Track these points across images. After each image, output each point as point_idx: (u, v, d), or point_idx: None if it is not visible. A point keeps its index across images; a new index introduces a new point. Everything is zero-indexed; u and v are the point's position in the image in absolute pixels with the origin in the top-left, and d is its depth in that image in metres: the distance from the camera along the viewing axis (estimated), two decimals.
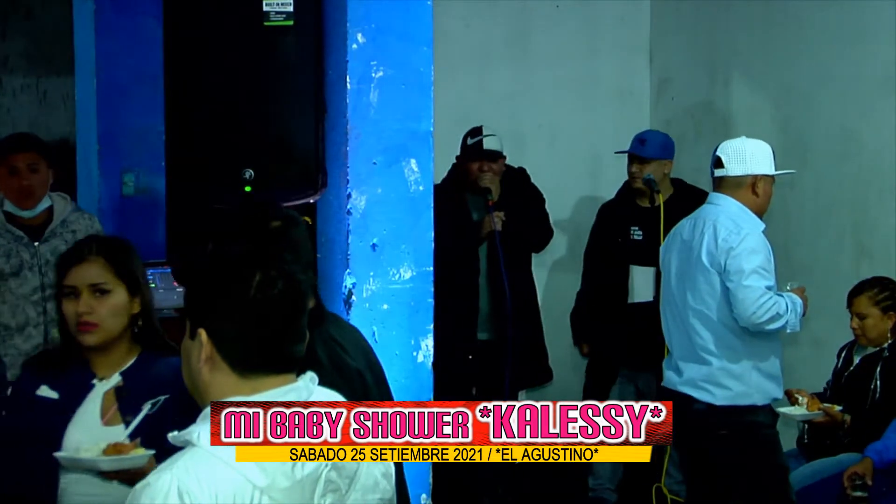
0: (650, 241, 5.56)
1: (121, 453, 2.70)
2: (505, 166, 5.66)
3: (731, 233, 4.18)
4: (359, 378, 2.79)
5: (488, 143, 5.53)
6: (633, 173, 5.63)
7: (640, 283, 5.64)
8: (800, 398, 4.61)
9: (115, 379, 2.90)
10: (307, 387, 2.03)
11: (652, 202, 5.54)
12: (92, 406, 2.88)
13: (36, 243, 4.57)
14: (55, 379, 2.90)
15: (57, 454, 2.77)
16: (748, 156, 4.27)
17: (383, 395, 2.92)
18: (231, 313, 1.97)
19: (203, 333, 1.98)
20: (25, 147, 4.65)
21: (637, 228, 5.67)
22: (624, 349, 5.64)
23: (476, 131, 5.56)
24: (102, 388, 2.90)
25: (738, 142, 4.35)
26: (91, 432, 2.82)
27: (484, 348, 5.56)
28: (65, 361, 2.93)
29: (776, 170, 4.36)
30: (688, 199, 5.39)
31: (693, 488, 4.58)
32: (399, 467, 2.48)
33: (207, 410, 1.90)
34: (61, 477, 2.85)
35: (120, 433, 2.82)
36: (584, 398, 4.77)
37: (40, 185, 4.59)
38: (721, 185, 4.33)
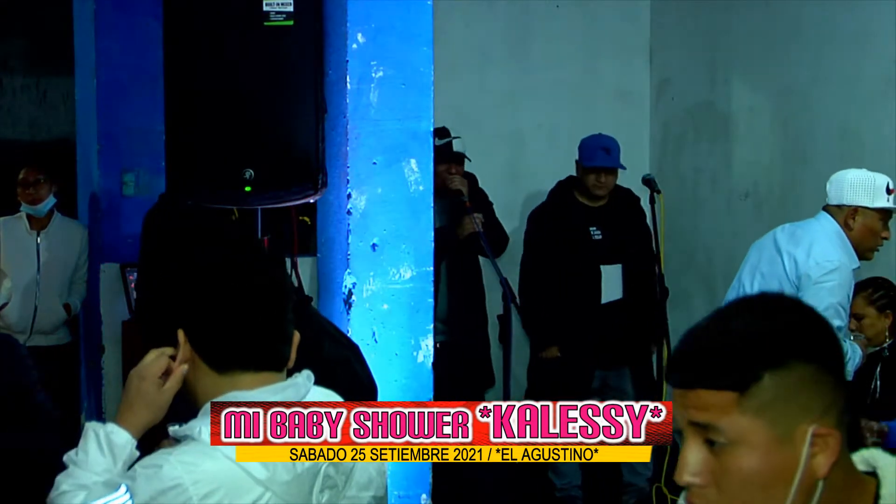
0: (609, 240, 5.55)
1: None
2: None
3: (822, 261, 4.18)
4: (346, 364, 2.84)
5: (457, 146, 5.42)
6: (602, 183, 5.52)
7: (609, 283, 5.61)
8: None
9: None
10: (305, 384, 2.04)
11: (652, 201, 5.53)
12: None
13: None
14: None
15: None
16: (846, 185, 4.31)
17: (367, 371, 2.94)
18: (208, 313, 2.00)
19: (181, 334, 2.01)
20: None
21: (595, 228, 5.60)
22: (601, 349, 5.56)
23: (443, 133, 5.39)
24: None
25: (842, 172, 4.39)
26: None
27: (442, 351, 5.48)
28: None
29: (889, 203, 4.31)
30: (625, 200, 5.61)
31: None
32: None
33: (207, 407, 1.92)
34: None
35: None
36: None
37: None
38: (827, 211, 4.38)
